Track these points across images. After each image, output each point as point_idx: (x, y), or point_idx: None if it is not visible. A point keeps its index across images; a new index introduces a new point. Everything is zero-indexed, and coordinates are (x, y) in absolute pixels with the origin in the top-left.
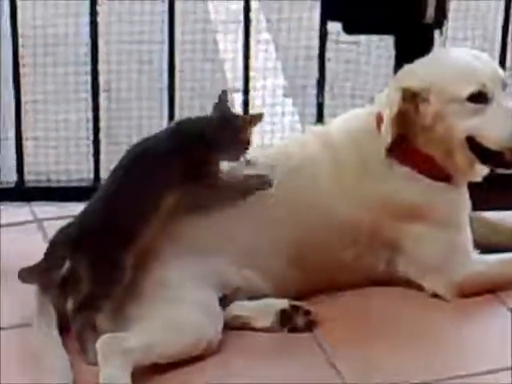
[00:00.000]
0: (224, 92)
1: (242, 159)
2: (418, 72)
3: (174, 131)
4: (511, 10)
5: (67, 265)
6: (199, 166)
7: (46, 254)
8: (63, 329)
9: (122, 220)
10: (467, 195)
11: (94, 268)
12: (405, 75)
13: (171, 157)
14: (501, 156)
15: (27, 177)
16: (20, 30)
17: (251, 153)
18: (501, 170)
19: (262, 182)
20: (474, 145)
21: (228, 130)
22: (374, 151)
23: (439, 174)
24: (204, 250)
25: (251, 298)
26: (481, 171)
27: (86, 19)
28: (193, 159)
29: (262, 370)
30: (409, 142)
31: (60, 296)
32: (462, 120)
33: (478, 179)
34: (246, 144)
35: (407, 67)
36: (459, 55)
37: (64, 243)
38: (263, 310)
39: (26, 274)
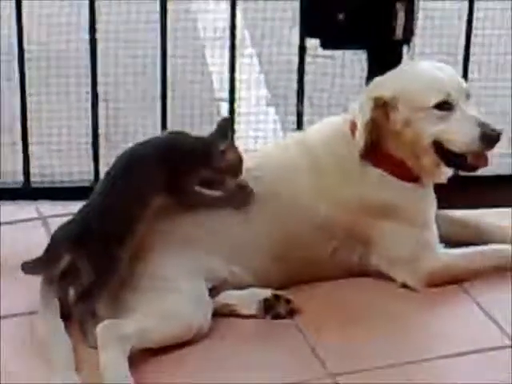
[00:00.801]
0: (225, 119)
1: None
2: (388, 83)
3: (164, 142)
4: (472, 28)
5: (67, 258)
6: (178, 178)
7: (46, 249)
8: (65, 316)
9: (116, 218)
10: (433, 195)
11: (93, 261)
12: (376, 86)
13: (157, 165)
14: (463, 159)
15: (33, 178)
16: (26, 46)
17: None
18: (463, 172)
19: (240, 201)
20: (439, 149)
21: (215, 156)
22: (348, 155)
23: (408, 175)
24: (195, 246)
25: (237, 288)
26: (445, 173)
27: (86, 36)
28: (174, 171)
29: (247, 354)
30: (381, 146)
31: (62, 287)
32: (429, 126)
33: (443, 180)
34: (228, 173)
35: (378, 79)
36: (425, 67)
37: (64, 239)
38: (248, 299)
39: (29, 267)
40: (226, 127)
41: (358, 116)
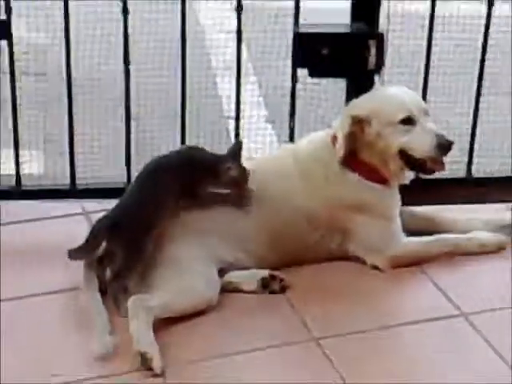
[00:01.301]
0: (237, 142)
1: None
2: (363, 103)
3: (182, 155)
4: (430, 61)
5: (104, 245)
6: (191, 186)
7: (87, 238)
8: (103, 292)
9: (143, 212)
10: (398, 194)
11: (125, 247)
12: (353, 106)
13: (175, 173)
14: (424, 164)
15: (78, 181)
16: (73, 73)
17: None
18: (424, 175)
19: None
20: (404, 156)
21: (222, 171)
22: (330, 162)
23: (379, 178)
24: (207, 236)
25: (241, 269)
26: (408, 176)
27: (121, 67)
28: (188, 179)
29: (248, 322)
30: (357, 155)
31: (100, 268)
32: (396, 138)
33: (407, 182)
34: (232, 186)
35: (355, 100)
36: (392, 91)
37: (101, 229)
38: (249, 278)
39: (73, 253)
40: (236, 149)
41: (338, 130)
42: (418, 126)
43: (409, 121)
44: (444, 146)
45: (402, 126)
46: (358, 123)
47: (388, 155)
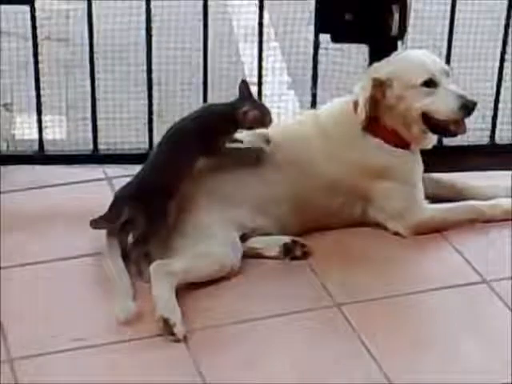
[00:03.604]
0: (243, 81)
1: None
2: (384, 66)
3: (199, 114)
4: (453, 27)
5: (126, 212)
6: (213, 140)
7: (110, 207)
8: (125, 257)
9: (165, 178)
10: (420, 159)
11: (147, 213)
12: (374, 69)
13: (196, 132)
14: (446, 127)
15: (100, 146)
16: (95, 40)
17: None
18: (446, 139)
19: (256, 152)
20: (426, 119)
21: (240, 117)
22: (352, 128)
23: (400, 143)
24: (229, 201)
25: (263, 235)
26: (431, 140)
27: (143, 31)
28: (209, 135)
29: (270, 287)
30: (378, 120)
31: (122, 234)
32: (418, 100)
33: (429, 146)
34: (254, 127)
35: (376, 64)
36: (414, 54)
37: (124, 196)
38: (271, 244)
39: (96, 223)
40: (245, 89)
41: (359, 94)
42: (440, 88)
43: (431, 83)
44: (467, 107)
45: (424, 88)
46: (380, 86)
47: (410, 118)
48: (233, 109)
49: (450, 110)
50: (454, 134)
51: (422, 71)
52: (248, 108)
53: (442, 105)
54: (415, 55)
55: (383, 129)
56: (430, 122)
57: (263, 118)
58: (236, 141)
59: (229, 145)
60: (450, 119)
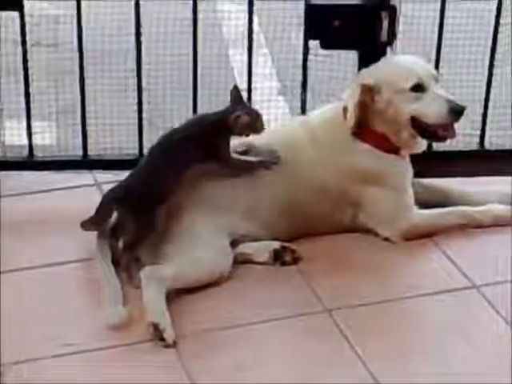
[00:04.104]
0: (234, 87)
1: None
2: (372, 72)
3: (192, 123)
4: (442, 34)
5: (115, 215)
6: (213, 148)
7: (97, 209)
8: (116, 263)
9: (156, 183)
10: (410, 165)
11: (137, 218)
12: (363, 75)
13: (189, 143)
14: (435, 131)
15: (90, 152)
16: (85, 45)
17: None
18: (435, 144)
19: (267, 165)
20: (415, 123)
21: (232, 123)
22: (341, 133)
23: (390, 148)
24: (219, 207)
25: (253, 240)
26: (420, 145)
27: (133, 38)
28: (208, 143)
29: (260, 293)
30: (367, 125)
31: (112, 239)
32: (407, 105)
33: (419, 151)
34: (247, 132)
35: (364, 70)
36: (402, 59)
37: (113, 199)
38: (261, 249)
39: (86, 224)
40: (236, 95)
41: (348, 101)
42: (428, 93)
43: (419, 87)
44: (456, 111)
45: (413, 93)
46: (368, 92)
47: (399, 123)
48: (224, 115)
49: (439, 114)
50: (444, 139)
51: (411, 76)
52: (239, 113)
53: (430, 109)
54: (403, 60)
55: (373, 134)
56: (419, 126)
57: (255, 123)
58: (246, 152)
59: (238, 156)
60: (438, 123)
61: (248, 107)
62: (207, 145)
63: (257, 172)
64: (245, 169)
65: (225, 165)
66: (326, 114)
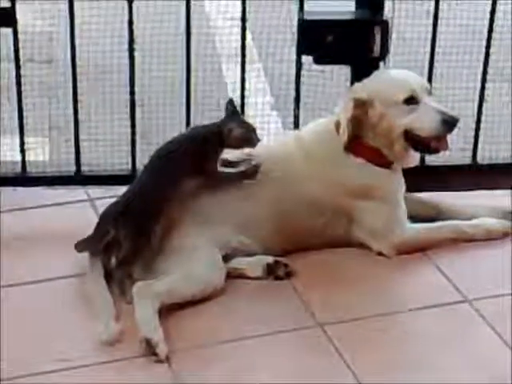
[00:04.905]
0: (229, 101)
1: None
2: (364, 86)
3: (186, 136)
4: (435, 48)
5: (111, 233)
6: (202, 162)
7: (95, 228)
8: (108, 279)
9: (151, 200)
10: (402, 179)
11: (131, 234)
12: (355, 89)
13: (184, 155)
14: (428, 144)
15: (83, 167)
16: (78, 61)
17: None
18: (429, 157)
19: (248, 175)
20: (408, 136)
21: (225, 136)
22: (334, 148)
23: (383, 162)
24: (211, 222)
25: (246, 255)
26: (413, 159)
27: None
28: (197, 157)
29: (253, 307)
30: (360, 139)
31: (106, 255)
32: (400, 118)
33: (412, 165)
34: (241, 145)
35: (357, 84)
36: (394, 72)
37: (109, 218)
38: (254, 264)
39: (81, 246)
40: (231, 108)
41: (340, 115)
42: (421, 105)
43: (412, 100)
44: (449, 122)
45: (406, 105)
46: (361, 106)
47: (393, 136)
48: (218, 128)
49: (433, 126)
50: (437, 151)
51: (403, 88)
52: (233, 126)
53: (424, 121)
54: (395, 73)
55: (365, 148)
56: (412, 139)
57: (249, 136)
58: (231, 162)
59: (222, 169)
60: (432, 136)
61: (242, 120)
62: (198, 158)
63: (246, 186)
64: (228, 182)
65: (210, 178)
66: (318, 129)
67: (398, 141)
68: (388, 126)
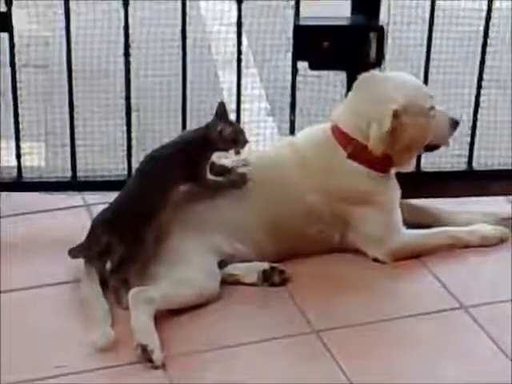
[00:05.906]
0: (220, 103)
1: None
2: (393, 94)
3: (175, 143)
4: (430, 54)
5: (104, 239)
6: (192, 167)
7: (88, 235)
8: (103, 285)
9: (143, 205)
10: (397, 184)
11: (125, 240)
12: (386, 98)
13: (174, 160)
14: (434, 144)
15: (79, 173)
16: (74, 66)
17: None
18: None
19: (236, 183)
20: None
21: (214, 138)
22: (330, 154)
23: (382, 167)
24: (207, 228)
25: (241, 261)
26: (412, 163)
27: (122, 59)
28: (188, 161)
29: (248, 314)
30: (365, 146)
31: (100, 261)
32: (430, 126)
33: (409, 169)
34: (230, 146)
35: (379, 91)
36: (407, 78)
37: (101, 223)
38: (250, 270)
39: (74, 252)
40: (221, 110)
41: (371, 127)
42: (435, 110)
43: (432, 107)
44: (455, 124)
45: (431, 112)
46: (398, 116)
47: (419, 144)
48: (206, 130)
49: (447, 131)
50: (437, 147)
51: (426, 94)
52: (222, 127)
53: (442, 128)
54: (410, 79)
55: (369, 155)
56: (427, 144)
57: (237, 135)
58: (222, 168)
59: (212, 177)
60: (445, 141)
61: (230, 121)
62: (188, 162)
63: (241, 192)
64: (215, 189)
65: (199, 184)
66: (313, 135)
67: (419, 149)
68: (422, 134)
